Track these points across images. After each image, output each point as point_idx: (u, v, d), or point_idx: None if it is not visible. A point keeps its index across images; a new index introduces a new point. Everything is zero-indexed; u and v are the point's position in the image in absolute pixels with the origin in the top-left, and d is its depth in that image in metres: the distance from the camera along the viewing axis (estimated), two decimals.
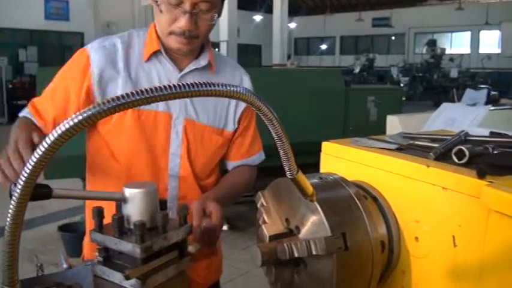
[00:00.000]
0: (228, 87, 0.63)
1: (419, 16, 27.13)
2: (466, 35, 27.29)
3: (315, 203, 0.90)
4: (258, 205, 1.03)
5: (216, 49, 1.76)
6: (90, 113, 0.55)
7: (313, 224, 0.92)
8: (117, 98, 0.56)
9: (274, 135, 0.70)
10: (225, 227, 5.18)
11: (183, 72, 1.51)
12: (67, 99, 1.45)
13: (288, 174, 0.78)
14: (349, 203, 0.97)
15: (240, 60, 15.28)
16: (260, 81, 6.42)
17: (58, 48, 17.90)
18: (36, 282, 0.86)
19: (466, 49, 26.77)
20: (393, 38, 29.57)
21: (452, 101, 5.04)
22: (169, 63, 1.50)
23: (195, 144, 1.53)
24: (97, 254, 0.89)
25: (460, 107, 2.38)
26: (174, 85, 0.58)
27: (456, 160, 0.97)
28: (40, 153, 0.56)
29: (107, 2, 19.97)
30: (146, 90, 0.57)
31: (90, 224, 1.64)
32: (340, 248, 0.88)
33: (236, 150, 1.65)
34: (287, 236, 0.96)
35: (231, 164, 1.66)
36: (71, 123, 0.55)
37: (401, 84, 19.14)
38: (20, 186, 0.58)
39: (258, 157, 1.71)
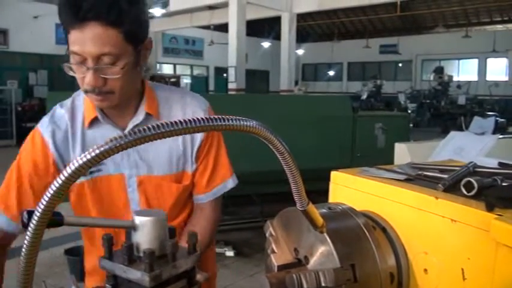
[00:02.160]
0: (240, 122, 0.63)
1: (426, 43, 27.32)
2: (474, 62, 27.38)
3: (324, 234, 0.91)
4: (267, 234, 1.03)
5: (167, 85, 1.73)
6: (107, 147, 0.58)
7: (322, 254, 0.92)
8: (140, 130, 0.58)
9: (285, 168, 0.71)
10: (231, 253, 5.16)
11: (122, 131, 1.46)
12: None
13: (298, 206, 0.78)
14: (358, 234, 0.97)
15: (248, 86, 15.41)
16: (267, 107, 6.46)
17: None
18: None
19: (473, 76, 26.87)
20: (400, 64, 29.71)
21: (460, 128, 5.03)
22: (109, 125, 1.49)
23: (155, 197, 1.53)
24: (106, 281, 0.89)
25: (468, 136, 2.38)
26: (188, 120, 0.59)
27: (465, 192, 0.97)
28: (57, 185, 0.57)
29: None
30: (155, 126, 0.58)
31: (88, 252, 1.67)
32: (349, 280, 0.88)
33: (197, 185, 1.61)
34: (296, 266, 0.96)
35: (195, 198, 1.63)
36: (89, 156, 0.57)
37: (409, 111, 19.17)
38: (37, 216, 0.59)
39: (222, 188, 1.63)
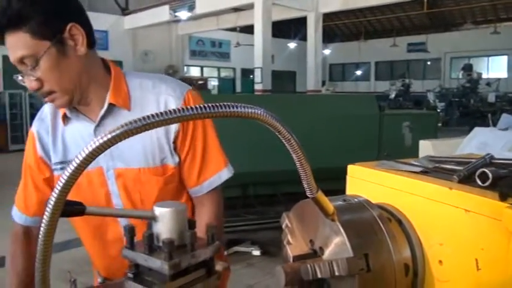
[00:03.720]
0: (244, 109, 0.63)
1: (455, 40, 26.91)
2: (503, 59, 26.86)
3: (338, 224, 0.92)
4: (283, 226, 1.05)
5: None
6: (119, 132, 0.59)
7: (337, 245, 0.93)
8: (146, 117, 0.60)
9: (293, 155, 0.71)
10: (257, 252, 5.18)
11: (94, 125, 1.47)
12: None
13: (308, 193, 0.79)
14: (372, 225, 0.98)
15: (274, 87, 15.41)
16: (293, 106, 6.49)
17: None
18: None
19: (503, 73, 26.32)
20: (429, 62, 29.33)
21: (487, 126, 4.96)
22: (83, 120, 1.50)
23: (135, 190, 1.51)
24: (128, 270, 0.92)
25: (492, 132, 2.36)
26: (190, 107, 0.60)
27: (480, 183, 0.98)
28: (70, 171, 0.60)
29: (145, 32, 20.49)
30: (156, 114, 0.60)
31: (90, 247, 1.69)
32: (363, 269, 0.89)
33: (187, 178, 1.56)
34: (311, 257, 0.98)
35: (190, 192, 1.58)
36: (101, 141, 0.59)
37: (438, 110, 18.91)
38: (51, 202, 0.61)
39: (216, 179, 1.57)
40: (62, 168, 1.51)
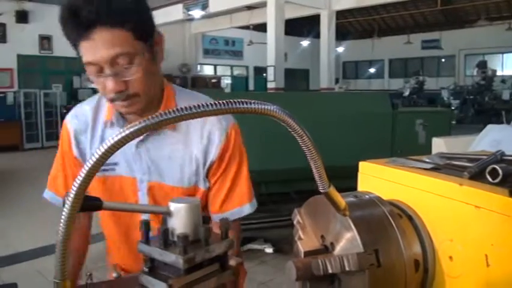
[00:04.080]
0: (259, 105, 0.65)
1: (469, 37, 26.61)
2: None
3: (349, 220, 0.93)
4: (294, 222, 1.06)
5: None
6: (137, 127, 0.60)
7: (347, 240, 0.94)
8: (165, 113, 0.61)
9: (305, 151, 0.72)
10: (270, 250, 5.20)
11: (138, 139, 1.45)
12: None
13: (320, 188, 0.81)
14: (383, 221, 0.98)
15: (287, 85, 15.40)
16: (306, 104, 6.48)
17: None
18: None
19: None
20: (443, 60, 29.07)
21: (502, 123, 4.92)
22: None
23: (164, 205, 1.53)
24: (143, 264, 0.94)
25: (505, 129, 2.34)
26: (208, 104, 0.62)
27: (490, 179, 0.98)
28: (89, 165, 0.62)
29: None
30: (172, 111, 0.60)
31: (110, 243, 1.74)
32: (373, 265, 0.90)
33: (211, 203, 1.58)
34: (322, 253, 0.99)
35: (211, 215, 1.57)
36: (120, 137, 0.61)
37: (452, 107, 18.78)
38: (71, 196, 0.63)
39: (237, 212, 1.57)
40: None
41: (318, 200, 1.04)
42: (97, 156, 0.61)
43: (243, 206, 1.58)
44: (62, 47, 17.33)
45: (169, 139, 1.50)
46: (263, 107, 0.65)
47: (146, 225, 0.93)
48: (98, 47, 1.27)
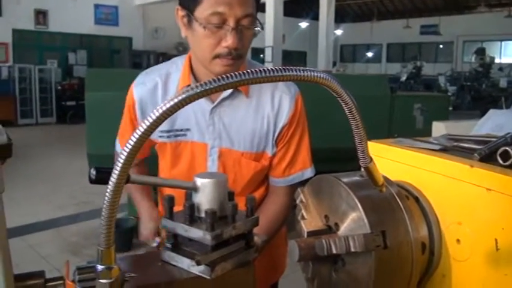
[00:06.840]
0: (310, 73, 0.65)
1: (468, 24, 26.47)
2: None
3: (355, 199, 0.90)
4: (297, 201, 1.04)
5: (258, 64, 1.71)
6: (185, 95, 0.60)
7: (353, 220, 0.91)
8: (208, 82, 0.61)
9: (351, 123, 0.73)
10: None
11: (213, 105, 1.52)
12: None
13: (361, 162, 0.79)
14: (390, 202, 0.96)
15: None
16: (303, 86, 6.42)
17: (107, 52, 18.40)
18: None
19: None
20: (441, 46, 28.97)
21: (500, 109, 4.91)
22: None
23: (233, 171, 1.56)
24: (165, 240, 0.91)
25: (507, 113, 2.32)
26: (250, 71, 0.62)
27: (501, 161, 0.95)
28: (139, 133, 0.61)
29: (155, 8, 20.33)
30: (220, 78, 0.61)
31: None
32: (379, 246, 0.87)
33: (275, 168, 1.63)
34: (326, 233, 0.96)
35: (271, 180, 1.66)
36: (166, 107, 0.60)
37: (449, 93, 18.76)
38: (117, 169, 0.63)
39: (299, 176, 1.64)
40: (168, 137, 1.55)
41: (323, 179, 1.01)
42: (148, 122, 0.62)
43: (304, 170, 1.64)
44: (58, 22, 17.20)
45: (242, 104, 1.55)
46: (316, 74, 0.66)
47: (170, 200, 0.89)
48: (234, 2, 1.32)
